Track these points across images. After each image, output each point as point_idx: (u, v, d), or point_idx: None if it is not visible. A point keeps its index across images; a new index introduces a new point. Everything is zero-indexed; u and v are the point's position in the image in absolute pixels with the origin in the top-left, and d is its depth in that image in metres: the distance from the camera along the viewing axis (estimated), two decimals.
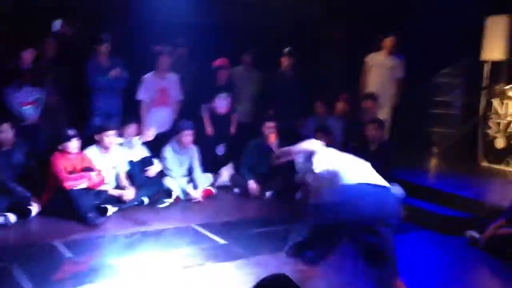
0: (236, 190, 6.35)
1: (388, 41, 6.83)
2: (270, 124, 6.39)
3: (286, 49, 7.01)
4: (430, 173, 7.13)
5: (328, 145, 3.60)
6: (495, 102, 7.15)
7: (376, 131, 6.07)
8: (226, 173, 6.59)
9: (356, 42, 7.68)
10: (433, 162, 7.55)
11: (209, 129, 6.66)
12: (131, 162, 5.82)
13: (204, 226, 5.07)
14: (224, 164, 6.68)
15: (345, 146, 6.73)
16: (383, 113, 6.82)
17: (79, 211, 4.94)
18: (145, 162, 5.92)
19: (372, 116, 6.45)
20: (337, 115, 7.07)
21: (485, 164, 7.12)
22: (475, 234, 4.85)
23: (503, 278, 4.37)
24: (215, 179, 6.46)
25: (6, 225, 4.78)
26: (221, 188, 6.41)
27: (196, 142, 6.23)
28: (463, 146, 7.57)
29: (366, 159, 5.97)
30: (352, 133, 6.75)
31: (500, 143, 7.04)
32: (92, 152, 5.52)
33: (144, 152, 6.03)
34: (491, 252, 4.64)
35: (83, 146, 5.51)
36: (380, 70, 6.88)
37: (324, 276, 3.86)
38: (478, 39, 7.11)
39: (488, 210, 5.22)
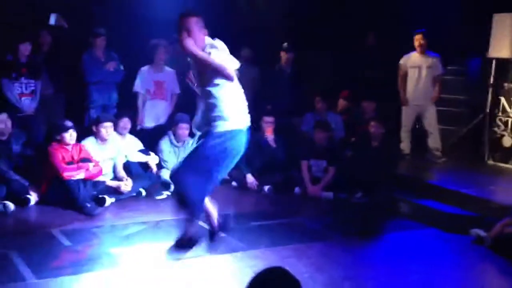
0: (234, 183, 6.70)
1: (418, 40, 7.16)
2: (268, 119, 6.76)
3: (284, 44, 7.37)
4: (435, 171, 7.43)
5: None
6: (503, 100, 7.41)
7: (378, 128, 6.46)
8: None
9: (349, 39, 8.10)
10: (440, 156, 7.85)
11: None
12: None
13: (201, 218, 5.37)
14: None
15: (345, 141, 7.12)
16: (430, 114, 7.24)
17: (77, 201, 5.32)
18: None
19: (373, 113, 6.86)
20: (336, 111, 7.46)
21: (491, 162, 7.37)
22: (481, 232, 5.01)
23: (509, 277, 4.54)
24: None
25: (5, 213, 5.17)
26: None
27: (192, 134, 6.57)
28: (469, 144, 7.87)
29: (369, 155, 6.39)
30: (353, 129, 7.14)
31: (507, 141, 7.27)
32: (89, 143, 5.90)
33: (139, 145, 6.39)
34: (497, 251, 4.78)
35: (81, 138, 5.87)
36: (418, 70, 7.24)
37: (324, 269, 4.20)
38: (485, 37, 7.44)
39: (494, 208, 5.42)
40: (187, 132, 6.43)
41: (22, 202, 5.37)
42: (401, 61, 7.33)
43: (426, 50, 7.21)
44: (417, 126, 7.52)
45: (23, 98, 6.09)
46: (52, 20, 6.74)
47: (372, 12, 8.06)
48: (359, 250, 4.87)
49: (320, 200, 6.34)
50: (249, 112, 7.37)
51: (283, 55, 7.37)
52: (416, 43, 7.20)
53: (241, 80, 7.29)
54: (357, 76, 7.76)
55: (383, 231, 5.45)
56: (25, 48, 6.04)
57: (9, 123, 5.66)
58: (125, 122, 6.28)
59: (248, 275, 2.04)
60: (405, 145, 7.38)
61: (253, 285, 2.02)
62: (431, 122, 7.31)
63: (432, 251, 4.94)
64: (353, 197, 6.27)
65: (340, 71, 8.04)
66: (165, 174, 6.26)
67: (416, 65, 7.24)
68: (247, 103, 7.40)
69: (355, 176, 6.35)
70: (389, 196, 6.11)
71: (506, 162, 7.24)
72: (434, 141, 7.32)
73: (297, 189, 6.49)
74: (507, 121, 7.34)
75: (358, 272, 4.32)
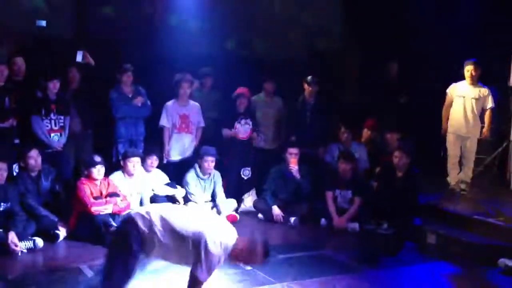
0: (260, 215, 6.64)
1: (469, 70, 6.76)
2: (293, 151, 6.72)
3: (309, 78, 7.35)
4: (460, 200, 7.28)
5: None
6: None
7: (402, 159, 6.35)
8: (249, 199, 6.91)
9: (373, 70, 8.09)
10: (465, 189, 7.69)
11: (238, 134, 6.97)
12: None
13: None
14: (248, 189, 7.00)
15: (370, 172, 7.03)
16: (470, 147, 6.97)
17: (105, 236, 5.26)
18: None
19: (397, 144, 6.75)
20: (361, 141, 7.39)
21: None
22: (509, 262, 4.92)
23: None
24: (239, 205, 6.78)
25: (34, 250, 5.17)
26: (244, 213, 6.70)
27: (218, 167, 6.57)
28: (495, 172, 7.71)
29: (394, 185, 6.27)
30: (377, 159, 7.05)
31: None
32: (117, 178, 5.92)
33: (165, 178, 6.38)
34: None
35: (108, 173, 5.89)
36: (464, 100, 6.90)
37: None
38: (501, 65, 7.31)
39: None
40: (212, 164, 6.45)
41: (51, 237, 5.38)
42: (448, 90, 7.05)
43: (477, 81, 6.85)
44: (442, 154, 7.33)
45: (52, 134, 6.11)
46: (79, 57, 6.80)
47: (394, 43, 8.04)
48: (386, 282, 4.77)
49: (346, 231, 6.24)
50: (273, 144, 7.48)
51: (307, 88, 7.35)
52: (467, 73, 6.81)
53: (266, 112, 7.42)
54: (380, 107, 7.68)
55: (410, 262, 5.33)
56: (54, 86, 6.10)
57: (39, 159, 5.69)
58: (153, 161, 6.32)
59: None
60: (451, 177, 7.10)
61: None
62: (469, 154, 7.01)
63: (460, 282, 4.85)
64: (379, 228, 6.15)
65: (364, 102, 8.00)
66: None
67: (462, 94, 6.91)
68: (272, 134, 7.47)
69: (381, 207, 6.25)
70: (415, 227, 6.02)
71: None
72: (465, 175, 7.05)
73: (323, 221, 6.41)
74: None
75: None
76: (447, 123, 7.08)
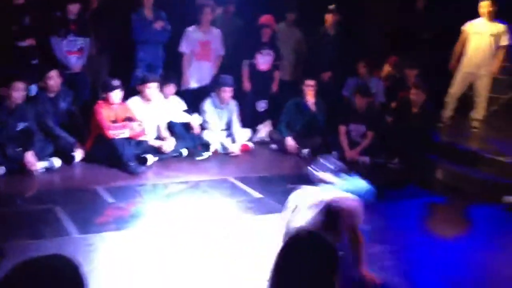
0: (273, 146, 6.46)
1: (485, 6, 6.46)
2: (309, 82, 6.41)
3: (331, 6, 6.91)
4: (472, 138, 7.04)
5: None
6: None
7: (419, 95, 6.09)
8: (264, 129, 6.69)
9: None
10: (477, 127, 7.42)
11: (247, 85, 6.73)
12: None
13: (240, 179, 5.20)
14: (263, 120, 6.77)
15: (385, 107, 6.76)
16: (482, 84, 6.70)
17: (121, 159, 5.15)
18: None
19: (414, 80, 6.42)
20: (379, 76, 7.04)
21: None
22: None
23: None
24: (253, 135, 6.58)
25: (51, 170, 5.05)
26: (258, 143, 6.51)
27: (235, 97, 6.32)
28: (509, 111, 7.39)
29: (409, 121, 6.06)
30: (394, 95, 6.74)
31: None
32: (134, 102, 5.69)
33: (182, 105, 6.17)
34: None
35: (126, 97, 5.67)
36: (481, 37, 6.57)
37: None
38: None
39: None
40: (230, 95, 6.18)
41: (68, 159, 5.23)
42: (464, 27, 6.69)
43: (493, 17, 6.47)
44: None
45: (70, 56, 5.85)
46: None
47: None
48: (386, 214, 4.57)
49: (357, 164, 6.04)
50: (291, 75, 7.16)
51: (329, 17, 6.91)
52: (483, 10, 6.46)
53: (285, 42, 7.05)
54: (403, 41, 7.23)
55: (415, 196, 5.20)
56: (74, 7, 5.79)
57: (59, 80, 5.46)
58: (170, 88, 6.04)
59: None
60: (447, 112, 6.91)
61: (289, 246, 1.99)
62: (481, 92, 6.73)
63: (463, 217, 4.75)
64: (389, 162, 5.99)
65: (385, 36, 7.53)
66: (207, 135, 6.07)
67: (479, 31, 6.55)
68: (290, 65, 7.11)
69: (393, 142, 6.06)
70: (425, 162, 5.84)
71: None
72: (477, 112, 6.81)
73: (334, 153, 6.20)
74: None
75: (387, 237, 4.13)
76: (457, 60, 6.76)
